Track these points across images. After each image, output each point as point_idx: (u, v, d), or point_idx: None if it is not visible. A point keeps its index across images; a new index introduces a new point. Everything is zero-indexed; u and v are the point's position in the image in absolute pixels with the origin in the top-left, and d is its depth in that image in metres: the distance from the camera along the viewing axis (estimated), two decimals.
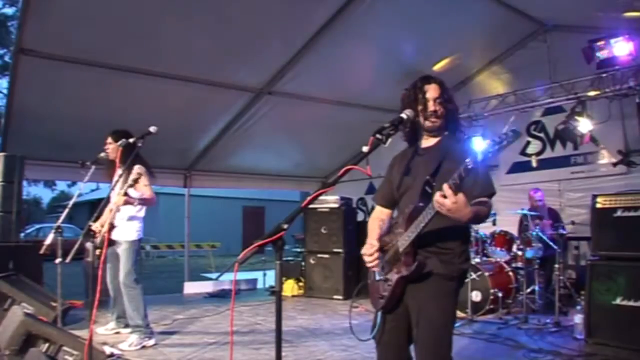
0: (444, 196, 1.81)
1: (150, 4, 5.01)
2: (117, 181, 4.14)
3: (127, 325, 4.74)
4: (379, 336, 2.21)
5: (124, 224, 4.43)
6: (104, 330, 4.78)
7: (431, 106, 2.17)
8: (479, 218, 2.01)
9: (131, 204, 4.24)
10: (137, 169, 4.08)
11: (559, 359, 3.89)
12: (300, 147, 8.87)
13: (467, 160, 1.79)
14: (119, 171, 4.28)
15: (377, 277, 2.19)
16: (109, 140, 4.54)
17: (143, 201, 4.34)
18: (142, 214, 4.54)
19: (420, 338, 2.06)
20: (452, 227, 2.05)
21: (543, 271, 5.60)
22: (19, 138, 6.18)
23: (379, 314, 2.20)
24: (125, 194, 3.99)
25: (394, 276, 2.10)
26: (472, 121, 6.82)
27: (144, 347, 4.30)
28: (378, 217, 2.37)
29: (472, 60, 7.29)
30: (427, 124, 2.18)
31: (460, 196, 1.82)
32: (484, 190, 2.03)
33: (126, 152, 4.20)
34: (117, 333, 4.74)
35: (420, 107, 2.17)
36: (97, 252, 4.10)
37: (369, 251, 2.15)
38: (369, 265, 2.18)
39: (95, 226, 4.19)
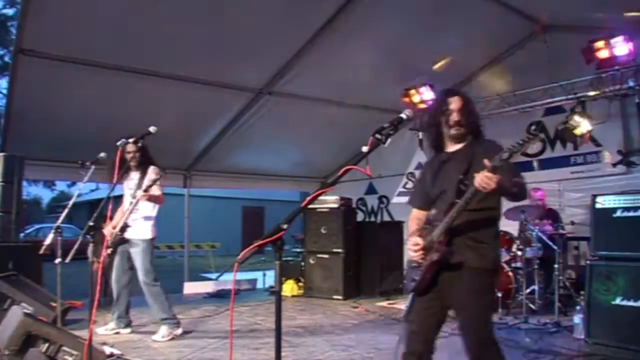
0: (487, 177, 2.04)
1: (150, 4, 5.01)
2: (136, 183, 4.54)
3: (127, 325, 4.80)
4: (409, 316, 2.46)
5: (139, 224, 4.59)
6: (104, 330, 4.79)
7: (455, 117, 2.40)
8: (518, 189, 2.26)
9: (149, 200, 4.50)
10: (153, 170, 4.53)
11: (559, 359, 3.89)
12: (299, 147, 8.87)
13: (498, 155, 2.05)
14: (133, 174, 4.62)
15: (414, 265, 2.45)
16: (132, 148, 4.58)
17: (155, 198, 4.56)
18: (155, 213, 4.71)
19: (466, 325, 2.31)
20: (485, 220, 2.33)
21: (543, 271, 5.60)
22: (18, 138, 6.18)
23: (411, 296, 2.45)
24: (146, 190, 4.32)
25: (425, 262, 2.34)
26: None
27: (173, 338, 4.55)
28: (416, 217, 2.61)
29: (472, 60, 7.29)
30: (452, 132, 2.42)
31: (498, 176, 2.05)
32: (515, 175, 2.26)
33: (144, 155, 4.58)
34: (117, 333, 4.76)
35: (444, 118, 2.42)
36: (108, 250, 4.45)
37: (415, 248, 2.40)
38: (415, 258, 2.41)
39: (107, 229, 4.53)
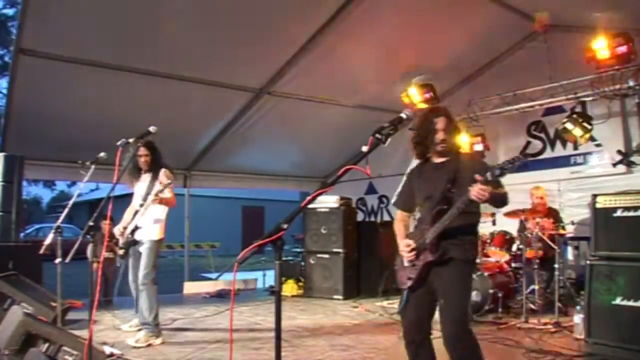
0: (482, 190, 2.34)
1: (150, 4, 5.02)
2: (147, 185, 4.61)
3: None
4: (404, 311, 2.70)
5: (149, 225, 4.62)
6: (128, 327, 4.89)
7: (441, 136, 2.69)
8: (503, 198, 2.60)
9: (160, 203, 4.58)
10: (164, 173, 4.62)
11: (559, 359, 3.88)
12: (299, 147, 8.87)
13: (490, 172, 2.35)
14: (145, 176, 4.70)
15: (406, 264, 2.70)
16: (144, 152, 4.66)
17: (166, 201, 4.63)
18: (165, 215, 4.76)
19: (446, 310, 2.55)
20: (466, 225, 2.65)
21: (543, 271, 5.59)
22: (19, 138, 6.18)
23: (405, 292, 2.69)
24: (156, 195, 4.44)
25: (420, 262, 2.62)
26: (472, 121, 6.80)
27: (150, 345, 4.36)
28: (401, 220, 2.93)
29: (472, 60, 7.29)
30: (438, 148, 2.71)
31: (489, 187, 2.38)
32: (498, 186, 2.53)
33: (156, 157, 4.67)
34: (140, 329, 4.79)
35: (431, 137, 2.71)
36: (121, 251, 4.60)
37: (407, 249, 2.67)
38: (408, 258, 2.68)
39: (118, 228, 4.65)
